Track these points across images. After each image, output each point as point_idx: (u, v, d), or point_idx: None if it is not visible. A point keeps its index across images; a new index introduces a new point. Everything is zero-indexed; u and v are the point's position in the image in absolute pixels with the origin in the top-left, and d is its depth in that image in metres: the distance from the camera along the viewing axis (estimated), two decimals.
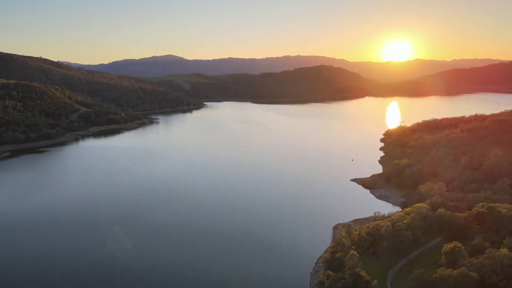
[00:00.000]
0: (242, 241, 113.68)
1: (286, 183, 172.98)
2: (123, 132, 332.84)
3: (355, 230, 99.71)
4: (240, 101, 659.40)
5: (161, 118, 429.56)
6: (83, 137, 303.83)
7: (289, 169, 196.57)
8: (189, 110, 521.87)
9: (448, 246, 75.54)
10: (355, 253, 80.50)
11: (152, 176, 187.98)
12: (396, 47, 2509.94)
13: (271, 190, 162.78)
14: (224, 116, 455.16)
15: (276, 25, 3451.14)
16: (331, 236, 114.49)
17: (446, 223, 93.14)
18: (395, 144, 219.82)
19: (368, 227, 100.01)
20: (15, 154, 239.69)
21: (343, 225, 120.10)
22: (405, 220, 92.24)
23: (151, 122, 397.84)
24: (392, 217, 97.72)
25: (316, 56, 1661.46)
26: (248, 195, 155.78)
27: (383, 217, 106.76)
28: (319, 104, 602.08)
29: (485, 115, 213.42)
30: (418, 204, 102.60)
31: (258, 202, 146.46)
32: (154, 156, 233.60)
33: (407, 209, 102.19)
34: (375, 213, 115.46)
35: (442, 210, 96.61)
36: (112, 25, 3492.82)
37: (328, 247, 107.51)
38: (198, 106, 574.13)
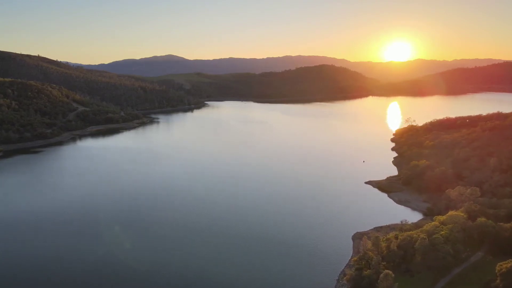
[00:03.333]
0: (248, 249, 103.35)
1: (295, 185, 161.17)
2: (122, 131, 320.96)
3: (383, 242, 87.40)
4: (242, 100, 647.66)
5: (161, 118, 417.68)
6: (80, 136, 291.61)
7: (297, 171, 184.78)
8: (190, 110, 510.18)
9: (503, 266, 63.54)
10: (390, 272, 68.50)
11: (153, 176, 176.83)
12: (397, 47, 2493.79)
13: (280, 193, 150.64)
14: (226, 116, 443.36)
15: (277, 25, 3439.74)
16: (352, 248, 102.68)
17: (489, 235, 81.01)
18: (409, 144, 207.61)
19: (396, 238, 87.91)
20: (8, 154, 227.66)
21: (364, 234, 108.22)
22: (442, 232, 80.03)
23: (151, 121, 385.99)
24: (425, 227, 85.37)
25: (317, 56, 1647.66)
26: (255, 199, 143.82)
27: (411, 226, 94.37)
28: (322, 104, 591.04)
29: (504, 113, 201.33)
30: (453, 212, 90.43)
31: (265, 207, 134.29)
32: (155, 156, 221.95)
33: (441, 218, 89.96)
34: (401, 222, 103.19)
35: (483, 219, 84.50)
36: (113, 25, 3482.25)
37: (349, 260, 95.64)
38: (199, 105, 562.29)
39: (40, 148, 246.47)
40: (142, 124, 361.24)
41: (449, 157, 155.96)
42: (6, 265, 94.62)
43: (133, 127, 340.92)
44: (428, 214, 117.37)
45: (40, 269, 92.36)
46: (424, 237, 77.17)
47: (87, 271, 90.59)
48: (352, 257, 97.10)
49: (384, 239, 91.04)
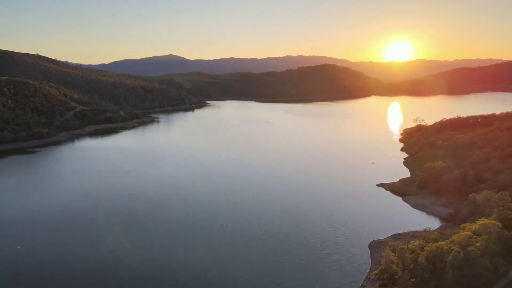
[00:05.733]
0: (250, 254, 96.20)
1: (302, 187, 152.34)
2: (121, 131, 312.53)
3: (409, 253, 78.28)
4: (243, 100, 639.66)
5: (162, 117, 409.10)
6: (78, 136, 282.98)
7: (303, 172, 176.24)
8: (191, 109, 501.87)
9: None
10: None
11: (153, 177, 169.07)
12: (398, 47, 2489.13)
13: (285, 195, 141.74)
14: (228, 115, 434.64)
15: (278, 25, 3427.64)
16: (370, 258, 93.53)
17: None
18: (421, 144, 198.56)
19: (422, 248, 78.94)
20: (2, 155, 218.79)
21: (382, 242, 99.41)
22: (477, 243, 71.06)
23: (151, 121, 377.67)
24: (455, 237, 76.26)
25: (318, 56, 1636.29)
26: (258, 201, 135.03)
27: (437, 236, 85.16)
28: (324, 103, 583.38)
29: None
30: (485, 220, 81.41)
31: (269, 210, 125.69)
32: (155, 156, 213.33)
33: (471, 226, 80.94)
34: (425, 229, 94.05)
35: None
36: (113, 25, 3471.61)
37: (368, 273, 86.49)
38: (200, 104, 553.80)
39: (36, 148, 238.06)
40: (142, 123, 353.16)
41: (467, 158, 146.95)
42: (6, 265, 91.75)
43: (133, 127, 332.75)
44: (450, 220, 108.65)
45: (40, 269, 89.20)
46: (459, 250, 68.14)
47: (87, 271, 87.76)
48: (371, 269, 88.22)
49: (403, 246, 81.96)
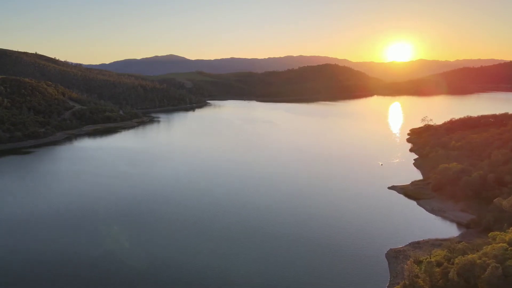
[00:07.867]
0: (257, 261, 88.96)
1: (309, 190, 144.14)
2: (121, 131, 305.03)
3: (436, 266, 70.40)
4: (245, 99, 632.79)
5: (162, 117, 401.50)
6: (76, 136, 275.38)
7: (309, 173, 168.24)
8: (192, 109, 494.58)
9: None
10: None
11: (154, 177, 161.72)
12: (399, 48, 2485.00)
13: (292, 198, 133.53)
14: (230, 115, 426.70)
15: (278, 25, 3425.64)
16: (388, 269, 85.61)
17: None
18: (432, 144, 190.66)
19: (450, 261, 71.15)
20: None
21: (401, 252, 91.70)
22: None
23: (151, 120, 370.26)
24: (488, 249, 68.34)
25: (319, 56, 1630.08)
26: (264, 204, 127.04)
27: (466, 246, 77.21)
28: (326, 103, 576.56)
29: None
30: None
31: (275, 214, 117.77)
32: (155, 156, 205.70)
33: (505, 236, 73.06)
34: (449, 238, 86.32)
35: None
36: (114, 25, 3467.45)
37: (388, 286, 78.54)
38: (201, 104, 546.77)
39: (32, 148, 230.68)
40: (142, 123, 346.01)
41: (484, 160, 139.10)
42: (5, 265, 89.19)
43: (132, 126, 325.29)
44: (473, 227, 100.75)
45: (39, 269, 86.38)
46: (497, 265, 60.39)
47: (86, 270, 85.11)
48: (390, 281, 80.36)
49: (425, 256, 74.23)
